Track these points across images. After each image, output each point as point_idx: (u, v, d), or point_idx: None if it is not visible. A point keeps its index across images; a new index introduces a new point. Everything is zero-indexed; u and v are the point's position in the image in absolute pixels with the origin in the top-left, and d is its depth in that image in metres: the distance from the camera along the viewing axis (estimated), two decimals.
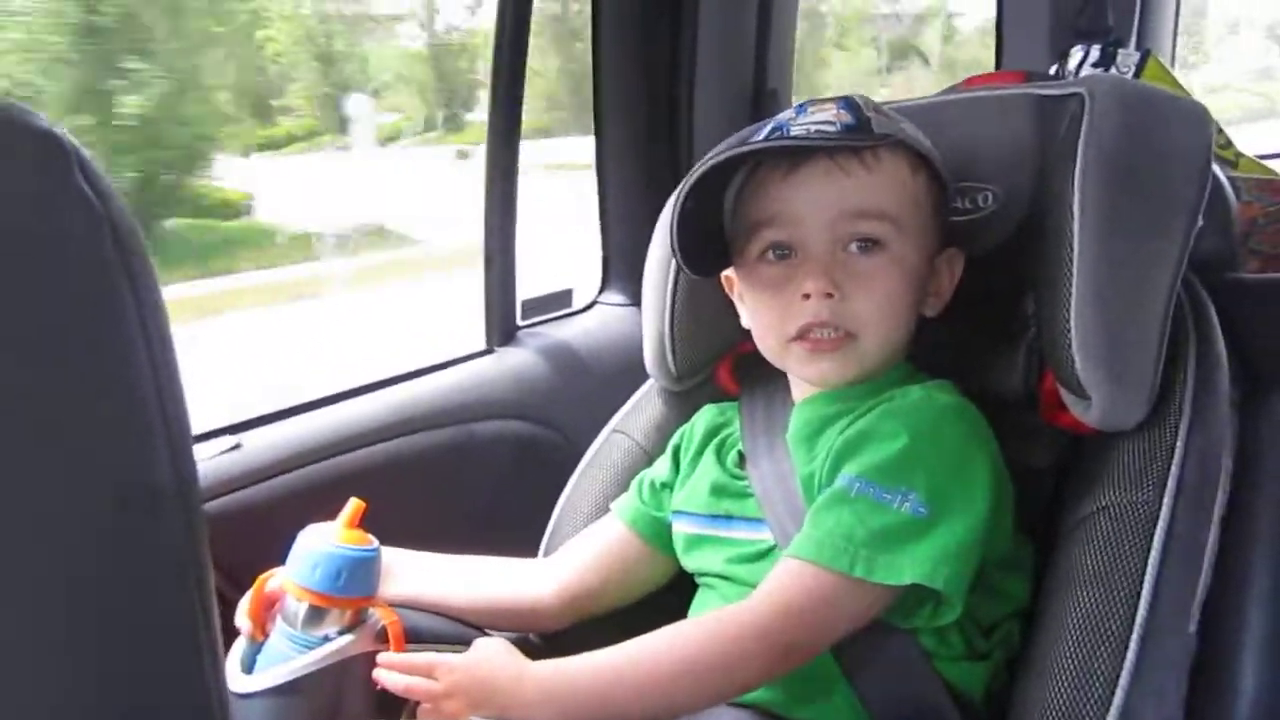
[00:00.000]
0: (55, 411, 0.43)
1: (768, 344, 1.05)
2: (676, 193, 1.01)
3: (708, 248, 1.05)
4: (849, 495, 0.92)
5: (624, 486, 1.20)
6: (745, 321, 1.08)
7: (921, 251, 1.01)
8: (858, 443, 0.95)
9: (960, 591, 0.90)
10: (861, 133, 0.97)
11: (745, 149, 0.98)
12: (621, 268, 1.86)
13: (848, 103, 0.99)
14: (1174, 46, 2.76)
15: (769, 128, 1.01)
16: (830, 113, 0.98)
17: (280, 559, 0.99)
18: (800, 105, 1.01)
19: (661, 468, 1.16)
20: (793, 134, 0.98)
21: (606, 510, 1.19)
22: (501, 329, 1.69)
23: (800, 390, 1.07)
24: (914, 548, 0.89)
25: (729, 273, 1.09)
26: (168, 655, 0.46)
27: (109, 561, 0.44)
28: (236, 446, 1.29)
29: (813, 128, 0.97)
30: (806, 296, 0.98)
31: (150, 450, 0.45)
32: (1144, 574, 0.91)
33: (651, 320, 1.21)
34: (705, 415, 1.17)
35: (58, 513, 0.43)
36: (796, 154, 0.99)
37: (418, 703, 0.95)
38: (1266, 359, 1.09)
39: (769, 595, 0.91)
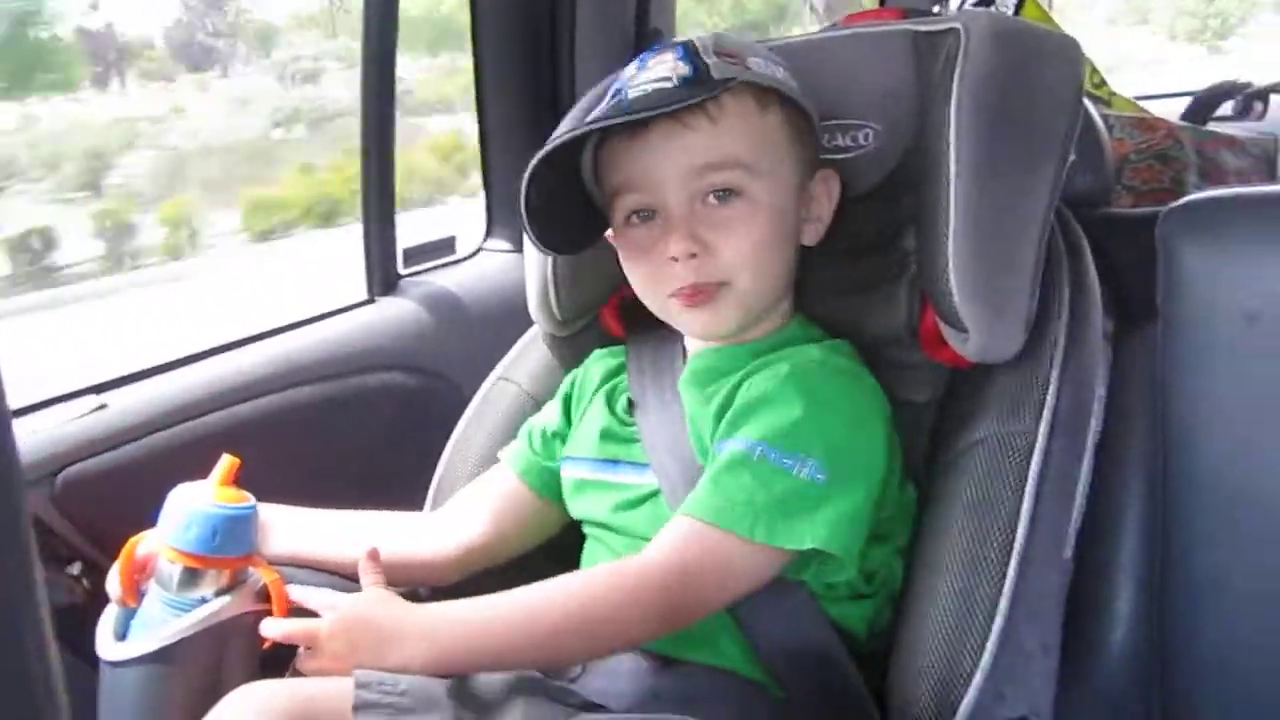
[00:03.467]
0: None
1: (649, 301, 1.04)
2: (523, 184, 0.97)
3: (583, 216, 1.04)
4: (750, 459, 0.91)
5: (511, 434, 1.18)
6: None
7: (785, 186, 1.00)
8: (758, 405, 0.94)
9: (854, 554, 0.91)
10: (700, 83, 0.94)
11: (570, 134, 0.96)
12: (505, 214, 1.83)
13: (685, 51, 0.96)
14: None
15: (612, 89, 1.00)
16: (668, 65, 0.95)
17: (153, 522, 0.95)
18: (641, 58, 0.99)
19: (551, 415, 1.14)
20: (631, 98, 0.96)
21: (494, 459, 1.17)
22: (382, 278, 1.66)
23: (694, 344, 1.07)
24: (813, 513, 0.89)
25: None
26: None
27: None
28: (102, 407, 1.24)
29: (650, 87, 0.95)
30: (674, 259, 0.97)
31: None
32: (1021, 502, 0.93)
33: (534, 266, 1.19)
34: (598, 362, 1.15)
35: None
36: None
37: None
38: (1137, 292, 1.11)
39: (667, 553, 0.90)
